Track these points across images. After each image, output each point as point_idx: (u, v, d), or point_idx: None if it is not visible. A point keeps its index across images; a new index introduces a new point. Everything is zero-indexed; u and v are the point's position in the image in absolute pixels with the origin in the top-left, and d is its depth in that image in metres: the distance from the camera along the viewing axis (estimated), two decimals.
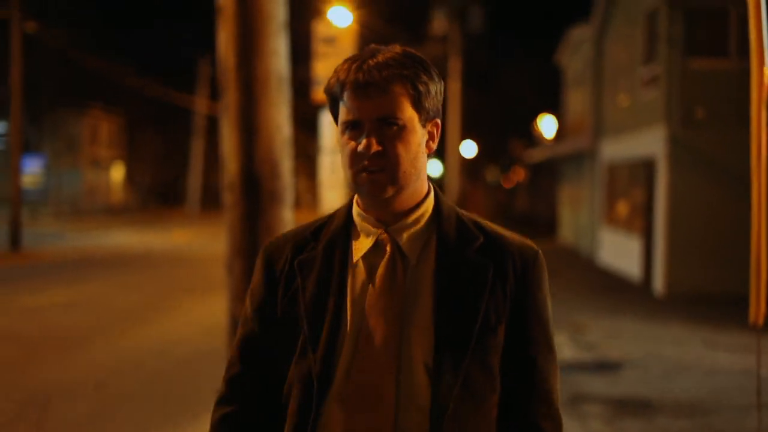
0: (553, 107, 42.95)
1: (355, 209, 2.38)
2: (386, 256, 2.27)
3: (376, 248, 2.29)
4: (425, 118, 2.27)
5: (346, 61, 2.27)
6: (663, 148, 20.39)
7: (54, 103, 59.75)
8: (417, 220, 2.30)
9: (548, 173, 44.82)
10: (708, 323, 15.80)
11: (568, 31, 34.62)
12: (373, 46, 2.31)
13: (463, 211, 2.40)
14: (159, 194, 75.03)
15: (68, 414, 9.22)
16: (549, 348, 2.34)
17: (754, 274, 3.49)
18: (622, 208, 25.80)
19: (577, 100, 35.24)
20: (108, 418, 9.18)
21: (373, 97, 2.18)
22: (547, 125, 43.64)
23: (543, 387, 2.30)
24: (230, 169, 6.29)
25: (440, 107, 2.33)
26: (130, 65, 48.06)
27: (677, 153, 20.12)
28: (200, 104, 56.60)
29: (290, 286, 2.34)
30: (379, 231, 2.29)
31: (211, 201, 68.22)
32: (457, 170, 36.86)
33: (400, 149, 2.20)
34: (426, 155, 2.32)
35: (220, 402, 2.44)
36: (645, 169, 22.38)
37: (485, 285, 2.24)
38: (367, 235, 2.31)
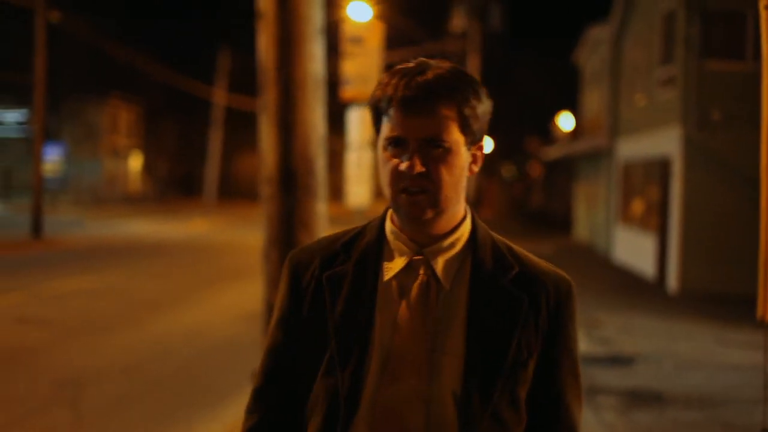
0: (570, 106, 43.08)
1: (389, 226, 2.30)
2: (419, 278, 2.21)
3: (409, 269, 2.23)
4: (471, 141, 2.21)
5: (393, 74, 2.19)
6: (678, 148, 20.64)
7: (74, 91, 60.06)
8: (453, 245, 2.24)
9: (564, 171, 44.91)
10: (720, 320, 16.09)
11: (586, 31, 34.75)
12: (422, 60, 2.23)
13: (498, 237, 2.34)
14: (177, 184, 75.30)
15: (100, 396, 9.55)
16: (576, 383, 2.31)
17: (762, 270, 3.64)
18: (638, 206, 26.03)
19: (594, 99, 35.41)
20: (138, 401, 9.50)
21: (420, 117, 2.12)
22: (565, 120, 43.86)
23: (568, 423, 2.27)
24: (269, 164, 6.64)
25: (486, 129, 2.26)
26: (149, 55, 48.36)
27: (692, 153, 20.38)
28: (219, 95, 56.83)
29: (317, 300, 2.28)
30: (414, 252, 2.23)
31: (228, 191, 68.50)
32: None
33: (444, 172, 2.14)
34: (466, 179, 2.25)
35: (248, 412, 2.40)
36: (660, 168, 22.58)
37: (519, 318, 2.19)
38: (401, 254, 2.25)
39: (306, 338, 2.28)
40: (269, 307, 6.77)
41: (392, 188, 2.16)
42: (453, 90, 2.13)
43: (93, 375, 10.51)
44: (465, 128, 2.16)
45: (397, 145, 2.14)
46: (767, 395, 3.47)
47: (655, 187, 23.32)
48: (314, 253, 2.36)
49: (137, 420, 8.89)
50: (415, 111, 2.11)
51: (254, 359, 2.58)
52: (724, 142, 20.11)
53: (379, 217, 2.35)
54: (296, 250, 2.43)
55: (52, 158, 54.30)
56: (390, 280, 2.23)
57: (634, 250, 25.69)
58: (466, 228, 2.27)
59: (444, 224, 2.22)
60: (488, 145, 49.17)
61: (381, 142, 2.19)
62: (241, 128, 64.37)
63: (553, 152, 42.73)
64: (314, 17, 6.61)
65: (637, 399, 9.98)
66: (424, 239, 2.22)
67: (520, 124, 58.34)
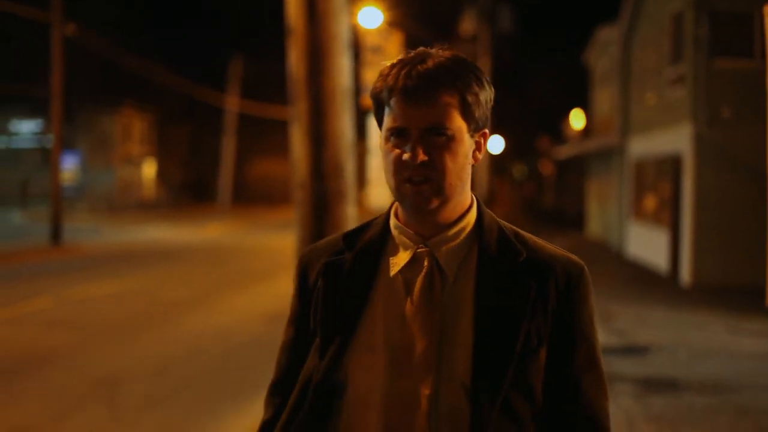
0: (581, 105, 43.27)
1: (393, 221, 2.28)
2: (423, 270, 2.18)
3: (414, 262, 2.20)
4: (474, 128, 2.19)
5: (394, 65, 2.17)
6: (689, 145, 20.90)
7: (88, 101, 60.39)
8: (457, 234, 2.21)
9: (575, 169, 45.04)
10: (732, 311, 16.37)
11: (596, 31, 34.96)
12: (421, 49, 2.22)
13: (505, 223, 2.31)
14: (190, 190, 75.60)
15: (133, 395, 9.90)
16: (595, 368, 2.21)
17: None
18: (650, 202, 26.26)
19: (604, 98, 35.60)
20: (169, 399, 9.84)
21: (421, 106, 2.10)
22: (576, 119, 44.10)
23: (589, 410, 2.18)
24: (301, 169, 7.03)
25: (489, 116, 2.25)
26: (162, 63, 48.68)
27: (703, 150, 20.64)
28: (231, 103, 57.19)
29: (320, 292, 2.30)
30: (418, 244, 2.20)
31: (241, 196, 68.76)
32: (485, 166, 37.26)
33: (448, 160, 2.11)
34: (471, 166, 2.23)
35: (265, 405, 2.43)
36: (672, 165, 22.82)
37: (527, 305, 2.14)
38: (405, 248, 2.22)
39: (314, 334, 2.27)
40: None
41: (396, 179, 2.14)
42: (454, 77, 2.12)
43: (125, 374, 10.86)
44: (467, 115, 2.15)
45: (399, 135, 2.12)
46: None
47: (667, 183, 23.56)
48: (322, 250, 2.37)
49: (169, 417, 9.19)
50: (417, 100, 2.10)
51: None
52: (734, 138, 20.39)
53: (384, 213, 2.35)
54: (307, 249, 2.45)
55: (68, 167, 54.70)
56: (395, 275, 2.21)
57: (647, 245, 25.92)
58: (471, 217, 2.25)
59: (449, 213, 2.20)
60: (499, 144, 49.27)
61: (383, 134, 2.18)
62: (253, 134, 64.75)
63: (564, 151, 42.94)
64: (341, 33, 7.02)
65: (653, 386, 10.32)
66: (429, 230, 2.20)
67: (532, 124, 58.56)
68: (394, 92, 2.12)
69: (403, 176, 2.12)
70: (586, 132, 40.06)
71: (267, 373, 2.56)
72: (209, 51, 73.39)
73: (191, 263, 25.33)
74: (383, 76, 2.16)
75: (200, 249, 30.17)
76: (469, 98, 2.13)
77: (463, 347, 2.11)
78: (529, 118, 58.40)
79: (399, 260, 2.22)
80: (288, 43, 7.08)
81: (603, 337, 13.48)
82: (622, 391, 10.10)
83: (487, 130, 2.26)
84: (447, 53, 2.17)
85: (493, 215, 2.31)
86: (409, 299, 2.17)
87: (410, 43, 31.31)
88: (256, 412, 8.89)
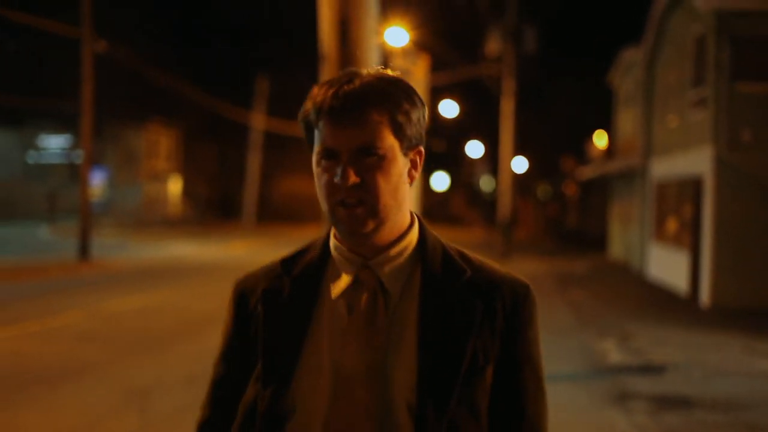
0: (605, 126, 43.45)
1: (333, 242, 2.22)
2: (366, 292, 2.13)
3: (356, 284, 2.14)
4: (407, 146, 2.12)
5: (321, 85, 2.12)
6: (710, 167, 21.12)
7: (115, 116, 60.88)
8: (400, 253, 2.16)
9: (599, 190, 45.21)
10: (750, 333, 16.61)
11: (619, 53, 35.17)
12: (350, 69, 2.16)
13: (449, 243, 2.26)
14: (215, 207, 75.98)
15: (165, 405, 10.23)
16: (539, 389, 2.19)
17: None
18: (671, 224, 26.40)
19: (627, 119, 35.83)
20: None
21: (350, 126, 2.04)
22: (599, 140, 44.31)
23: (532, 430, 2.17)
24: None
25: (424, 134, 2.18)
26: (188, 80, 49.05)
27: (724, 173, 20.87)
28: (257, 120, 57.56)
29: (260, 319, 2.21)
30: (359, 265, 2.15)
31: (266, 214, 69.05)
32: (509, 186, 37.43)
33: (380, 180, 2.05)
34: (408, 185, 2.16)
35: None
36: (693, 187, 23.01)
37: (473, 323, 2.10)
38: (347, 270, 2.16)
39: (251, 365, 2.20)
40: None
41: (328, 202, 2.08)
42: (382, 95, 2.07)
43: (157, 385, 11.18)
44: (399, 133, 2.09)
45: (329, 157, 2.07)
46: None
47: (688, 205, 23.74)
48: (259, 278, 2.28)
49: None
50: (345, 121, 2.04)
51: None
52: (755, 161, 20.66)
53: (323, 236, 2.28)
54: (242, 276, 2.34)
55: (96, 182, 55.15)
56: (338, 297, 2.15)
57: (667, 267, 26.06)
58: (413, 236, 2.19)
59: (387, 234, 2.14)
60: (523, 164, 49.59)
61: (314, 157, 2.12)
62: (278, 152, 65.01)
63: (587, 172, 43.10)
64: (371, 58, 7.39)
65: (667, 403, 10.62)
66: (369, 252, 2.14)
67: (556, 145, 58.73)
68: (321, 113, 2.06)
69: (335, 199, 2.06)
70: (610, 153, 40.23)
71: None
72: (235, 68, 73.87)
73: (218, 279, 25.57)
74: (312, 98, 2.10)
75: (226, 265, 30.38)
76: (399, 117, 2.08)
77: (408, 370, 2.07)
78: (553, 139, 58.59)
79: (341, 282, 2.16)
80: (321, 68, 7.45)
81: (620, 356, 13.80)
82: (636, 407, 10.43)
83: (422, 148, 2.19)
84: (377, 72, 2.13)
85: (436, 235, 2.26)
86: (351, 321, 2.12)
87: (437, 66, 31.70)
88: None
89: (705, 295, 21.13)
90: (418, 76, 17.54)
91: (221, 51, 78.60)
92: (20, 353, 13.29)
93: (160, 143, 71.86)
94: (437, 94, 39.58)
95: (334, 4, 7.45)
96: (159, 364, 12.64)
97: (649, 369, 12.86)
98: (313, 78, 7.65)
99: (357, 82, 2.06)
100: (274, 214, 72.90)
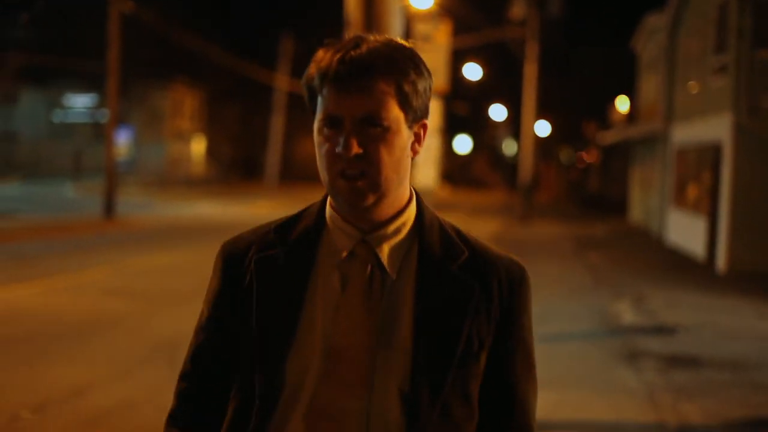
0: (628, 91, 43.46)
1: (329, 211, 2.14)
2: (363, 267, 2.06)
3: (352, 258, 2.07)
4: (413, 119, 2.05)
5: (327, 49, 2.03)
6: (729, 134, 21.24)
7: (140, 76, 61.05)
8: (398, 230, 2.08)
9: (620, 155, 45.23)
10: (763, 298, 16.81)
11: (643, 19, 35.23)
12: (357, 34, 2.09)
13: (446, 220, 2.18)
14: (239, 167, 76.14)
15: None
16: (530, 376, 2.16)
17: None
18: (690, 190, 26.55)
19: (650, 85, 35.87)
20: None
21: (355, 94, 1.96)
22: (622, 104, 44.35)
23: (522, 419, 2.13)
24: None
25: (429, 106, 2.11)
26: (214, 41, 49.08)
27: (742, 139, 20.98)
28: (281, 81, 57.60)
29: (251, 291, 2.11)
30: (356, 239, 2.07)
31: (289, 174, 69.18)
32: (531, 150, 37.56)
33: (383, 153, 1.97)
34: (410, 159, 2.09)
35: (171, 418, 2.24)
36: (712, 153, 23.13)
37: (470, 306, 2.04)
38: (343, 242, 2.08)
39: (241, 334, 2.11)
40: None
41: (329, 173, 2.01)
42: (390, 64, 1.99)
43: (184, 338, 11.49)
44: (405, 105, 2.01)
45: (332, 125, 1.99)
46: None
47: (707, 171, 23.84)
48: (250, 241, 2.20)
49: None
50: (350, 88, 1.96)
51: None
52: None
53: (318, 202, 2.20)
54: (229, 239, 2.27)
55: (121, 142, 55.48)
56: (332, 271, 2.07)
57: (685, 232, 26.24)
58: (411, 212, 2.12)
59: (387, 209, 2.06)
60: (545, 128, 49.71)
61: (316, 124, 2.05)
62: (302, 112, 64.68)
63: (609, 137, 43.17)
64: (395, 24, 7.67)
65: (676, 362, 10.93)
66: (366, 225, 2.06)
67: (578, 109, 58.73)
68: (326, 79, 1.98)
69: (336, 170, 1.98)
70: (631, 118, 40.28)
71: None
72: (260, 28, 73.83)
73: None
74: (316, 62, 2.03)
75: (249, 225, 30.27)
76: (406, 87, 2.01)
77: (402, 352, 2.01)
78: (576, 103, 58.59)
79: (335, 253, 2.08)
80: (345, 35, 7.73)
81: (634, 317, 14.13)
82: (646, 366, 10.74)
83: (426, 121, 2.12)
84: (385, 39, 2.05)
85: (434, 211, 2.19)
86: (346, 297, 2.05)
87: (461, 29, 31.79)
88: None
89: (721, 261, 21.30)
90: (441, 41, 17.75)
91: (246, 11, 78.58)
92: (51, 307, 13.64)
93: (184, 103, 72.05)
94: (461, 57, 39.71)
95: None
96: (185, 320, 12.88)
97: (661, 330, 13.14)
98: (338, 38, 7.94)
99: (364, 48, 1.99)
100: (296, 174, 72.92)
